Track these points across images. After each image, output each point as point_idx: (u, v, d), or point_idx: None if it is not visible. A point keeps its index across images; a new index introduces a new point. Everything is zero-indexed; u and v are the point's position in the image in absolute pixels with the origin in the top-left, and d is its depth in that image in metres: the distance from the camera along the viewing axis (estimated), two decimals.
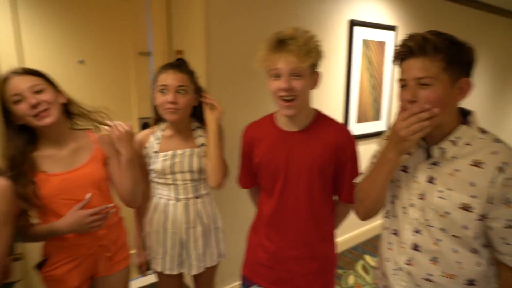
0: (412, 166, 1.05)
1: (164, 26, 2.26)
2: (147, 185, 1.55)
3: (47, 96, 1.19)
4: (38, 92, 1.19)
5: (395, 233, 1.10)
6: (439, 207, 0.97)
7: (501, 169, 0.89)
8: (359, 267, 2.73)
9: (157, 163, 1.48)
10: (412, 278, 1.05)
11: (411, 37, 0.95)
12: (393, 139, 0.98)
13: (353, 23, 2.61)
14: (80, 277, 1.33)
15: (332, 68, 2.58)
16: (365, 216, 1.16)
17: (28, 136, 1.23)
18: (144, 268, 1.60)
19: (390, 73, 2.98)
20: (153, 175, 1.52)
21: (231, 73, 2.10)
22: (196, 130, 1.54)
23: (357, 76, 2.73)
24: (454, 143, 0.96)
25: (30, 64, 1.68)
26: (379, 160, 1.05)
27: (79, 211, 1.22)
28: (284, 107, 1.20)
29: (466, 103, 1.00)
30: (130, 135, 1.32)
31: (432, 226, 1.00)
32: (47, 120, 1.19)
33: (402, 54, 0.97)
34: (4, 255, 1.08)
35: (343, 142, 1.25)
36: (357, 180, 1.20)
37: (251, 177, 1.44)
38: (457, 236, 0.96)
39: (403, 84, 0.98)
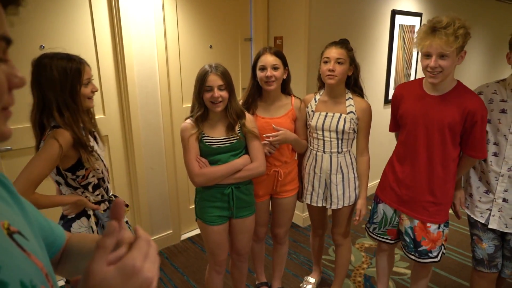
0: (509, 108, 1.59)
1: (264, 17, 3.01)
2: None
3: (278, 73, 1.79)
4: (275, 69, 1.78)
5: (495, 154, 1.65)
6: None
7: None
8: None
9: (312, 120, 1.89)
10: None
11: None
12: None
13: (394, 12, 3.39)
14: (263, 190, 1.94)
15: (378, 47, 3.43)
16: None
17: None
18: (299, 197, 2.09)
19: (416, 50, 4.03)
20: (309, 129, 1.94)
21: None
22: (349, 99, 1.86)
23: (395, 53, 3.61)
24: None
25: (171, 48, 2.62)
26: None
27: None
28: (430, 77, 1.55)
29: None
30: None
31: None
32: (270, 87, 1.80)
33: None
34: None
35: (474, 108, 1.54)
36: None
37: (396, 123, 1.84)
38: None
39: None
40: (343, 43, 1.81)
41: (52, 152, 1.28)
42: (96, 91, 1.47)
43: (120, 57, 2.34)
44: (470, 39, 1.50)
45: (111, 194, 1.62)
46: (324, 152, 1.89)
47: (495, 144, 1.65)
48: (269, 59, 1.78)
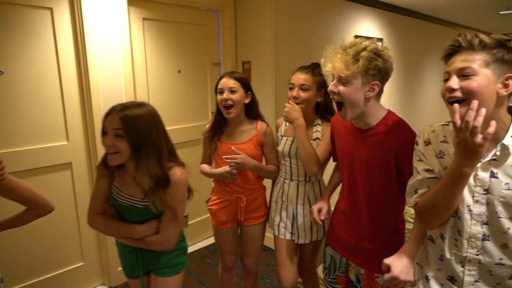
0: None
1: (232, 41, 3.07)
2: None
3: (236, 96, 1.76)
4: (233, 92, 1.76)
5: (459, 231, 1.06)
6: (510, 198, 0.96)
7: None
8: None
9: (280, 145, 1.82)
10: (482, 266, 1.03)
11: (460, 35, 1.00)
12: (463, 150, 0.92)
13: (356, 37, 3.64)
14: (226, 216, 1.89)
15: None
16: (436, 226, 1.12)
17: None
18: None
19: None
20: (279, 155, 1.85)
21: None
22: (317, 125, 1.76)
23: None
24: None
25: (139, 73, 2.60)
26: (449, 176, 0.99)
27: (226, 167, 1.78)
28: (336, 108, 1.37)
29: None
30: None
31: (501, 217, 0.98)
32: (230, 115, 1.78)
33: (451, 49, 1.01)
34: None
35: (402, 145, 1.26)
36: (417, 196, 1.13)
37: (335, 155, 1.66)
38: None
39: (446, 77, 1.01)
40: (310, 68, 1.71)
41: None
42: None
43: (85, 82, 2.28)
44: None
45: None
46: (291, 179, 1.79)
47: (452, 216, 1.08)
48: (227, 82, 1.76)
